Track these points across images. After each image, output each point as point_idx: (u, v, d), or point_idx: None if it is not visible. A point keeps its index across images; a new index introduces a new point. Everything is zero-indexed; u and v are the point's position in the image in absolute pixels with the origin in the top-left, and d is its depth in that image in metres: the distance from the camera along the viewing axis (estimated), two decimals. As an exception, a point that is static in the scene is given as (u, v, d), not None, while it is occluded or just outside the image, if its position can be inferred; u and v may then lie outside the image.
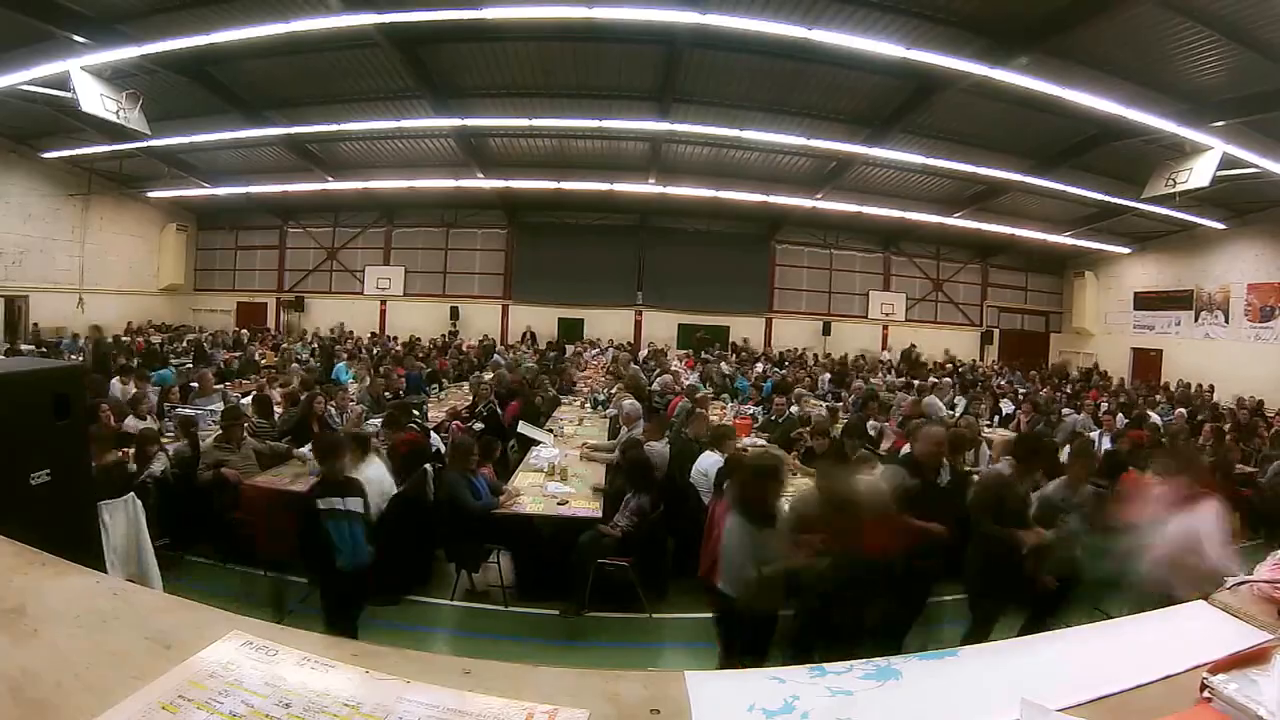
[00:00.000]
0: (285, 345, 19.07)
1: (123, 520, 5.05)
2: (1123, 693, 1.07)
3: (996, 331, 26.43)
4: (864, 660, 1.19)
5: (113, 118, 12.34)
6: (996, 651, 1.34)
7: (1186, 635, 1.27)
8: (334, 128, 15.93)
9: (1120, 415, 11.59)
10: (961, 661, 1.27)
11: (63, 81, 11.68)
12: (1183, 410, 12.38)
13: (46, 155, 18.72)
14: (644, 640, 5.64)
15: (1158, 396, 15.87)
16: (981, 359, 24.99)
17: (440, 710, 1.02)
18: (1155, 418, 11.56)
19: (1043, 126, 13.79)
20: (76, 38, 11.18)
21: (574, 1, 10.18)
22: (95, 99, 11.83)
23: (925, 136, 14.86)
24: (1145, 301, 22.91)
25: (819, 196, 19.65)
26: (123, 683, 1.02)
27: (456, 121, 15.45)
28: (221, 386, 11.19)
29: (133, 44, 11.36)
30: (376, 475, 5.70)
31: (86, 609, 1.24)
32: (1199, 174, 12.72)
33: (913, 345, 24.50)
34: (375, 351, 17.96)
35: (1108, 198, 17.00)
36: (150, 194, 22.51)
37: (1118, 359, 23.33)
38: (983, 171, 16.14)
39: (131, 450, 6.47)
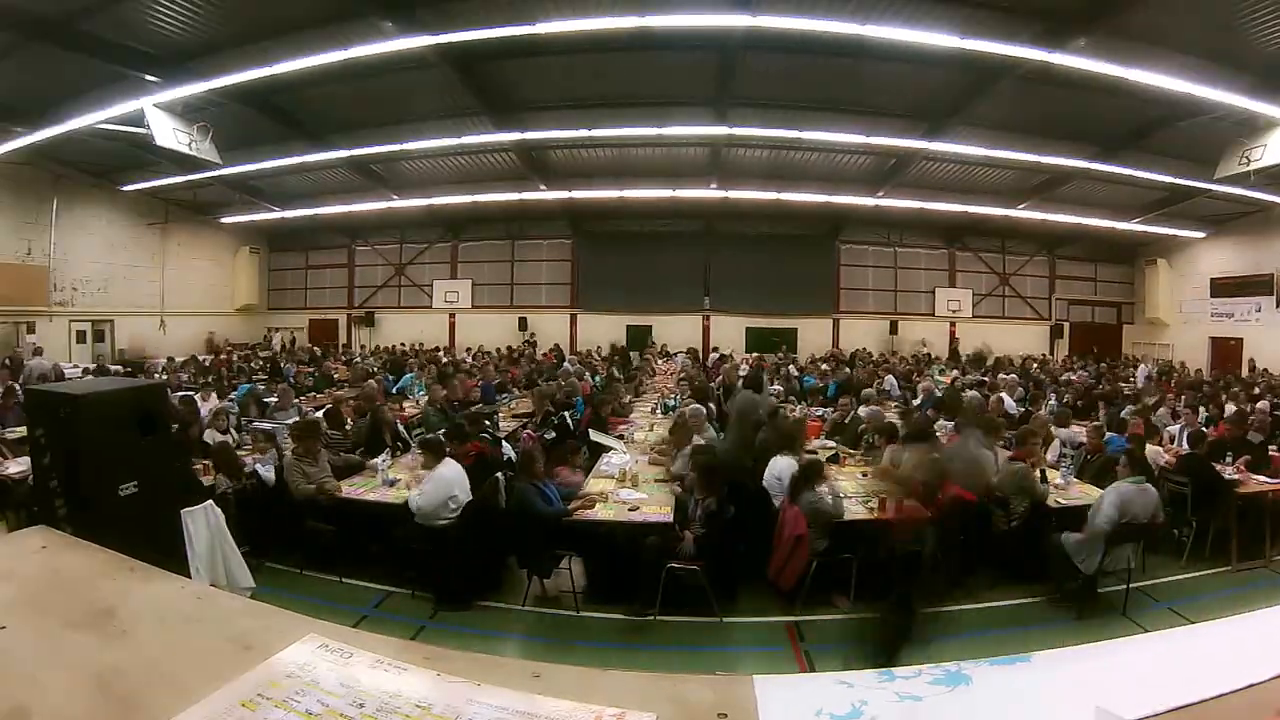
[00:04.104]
0: (358, 360, 19.60)
1: (204, 528, 5.27)
2: (1202, 702, 1.02)
3: (1066, 325, 25.65)
4: (933, 665, 1.17)
5: (185, 150, 12.89)
6: (1070, 657, 1.29)
7: (1270, 641, 1.22)
8: (396, 148, 16.29)
9: (1201, 410, 11.11)
10: (1034, 667, 1.23)
11: (137, 118, 12.24)
12: (1264, 403, 11.67)
13: (126, 188, 19.74)
14: (714, 644, 5.61)
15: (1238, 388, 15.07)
16: (1052, 353, 24.23)
17: (509, 713, 1.03)
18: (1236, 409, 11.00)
19: (1105, 110, 13.31)
20: (148, 77, 11.77)
21: (625, 12, 10.24)
22: (168, 133, 12.37)
23: (985, 127, 14.51)
24: (1222, 288, 21.86)
25: (881, 194, 19.42)
26: (205, 681, 1.06)
27: (516, 135, 15.69)
28: (298, 401, 11.54)
29: (200, 79, 11.85)
30: (453, 473, 6.38)
31: (172, 611, 1.30)
32: (1274, 150, 12.18)
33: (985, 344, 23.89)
34: (444, 363, 18.32)
35: (1177, 180, 16.36)
36: (223, 219, 23.56)
37: (1195, 349, 22.30)
38: (1045, 160, 15.72)
39: (211, 463, 6.77)
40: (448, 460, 6.52)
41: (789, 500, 6.13)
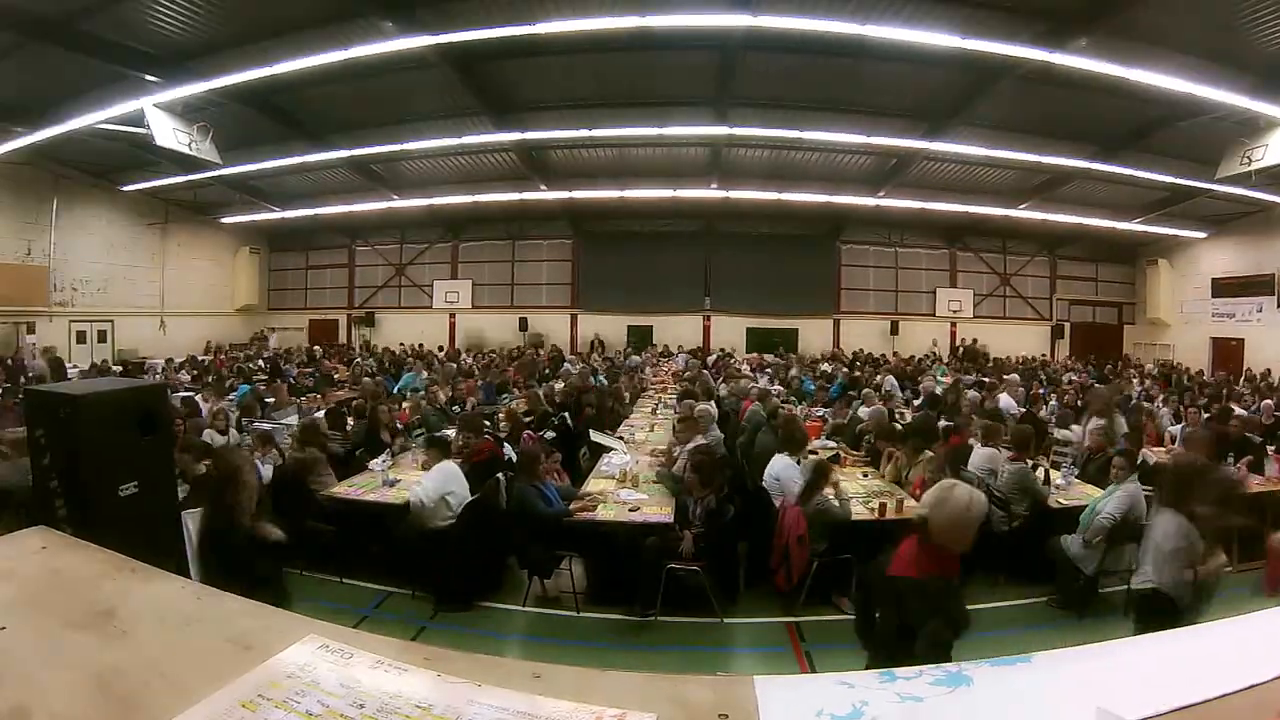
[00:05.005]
0: (356, 360, 19.61)
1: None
2: (1203, 703, 1.02)
3: (1067, 325, 25.64)
4: (934, 665, 1.17)
5: (186, 150, 12.88)
6: (1071, 658, 1.29)
7: (1272, 641, 1.22)
8: (396, 148, 16.28)
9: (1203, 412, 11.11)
10: (1034, 668, 1.23)
11: (137, 118, 12.24)
12: (1269, 401, 11.68)
13: (126, 188, 19.75)
14: (714, 644, 5.61)
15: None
16: (1052, 354, 24.24)
17: (510, 713, 1.03)
18: (1240, 411, 11.01)
19: (1106, 110, 13.31)
20: (148, 77, 11.76)
21: (626, 12, 10.24)
22: (168, 133, 12.36)
23: (986, 127, 14.52)
24: (1224, 288, 21.87)
25: (881, 195, 19.42)
26: (205, 681, 1.07)
27: (517, 135, 15.68)
28: (297, 400, 11.54)
29: (200, 79, 11.85)
30: (452, 469, 6.42)
31: (172, 612, 1.30)
32: (1275, 150, 12.18)
33: (974, 339, 24.10)
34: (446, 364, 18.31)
35: (1178, 180, 16.36)
36: (223, 220, 23.57)
37: (1196, 350, 22.34)
38: (1046, 160, 15.71)
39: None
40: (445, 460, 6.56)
41: (793, 502, 6.12)
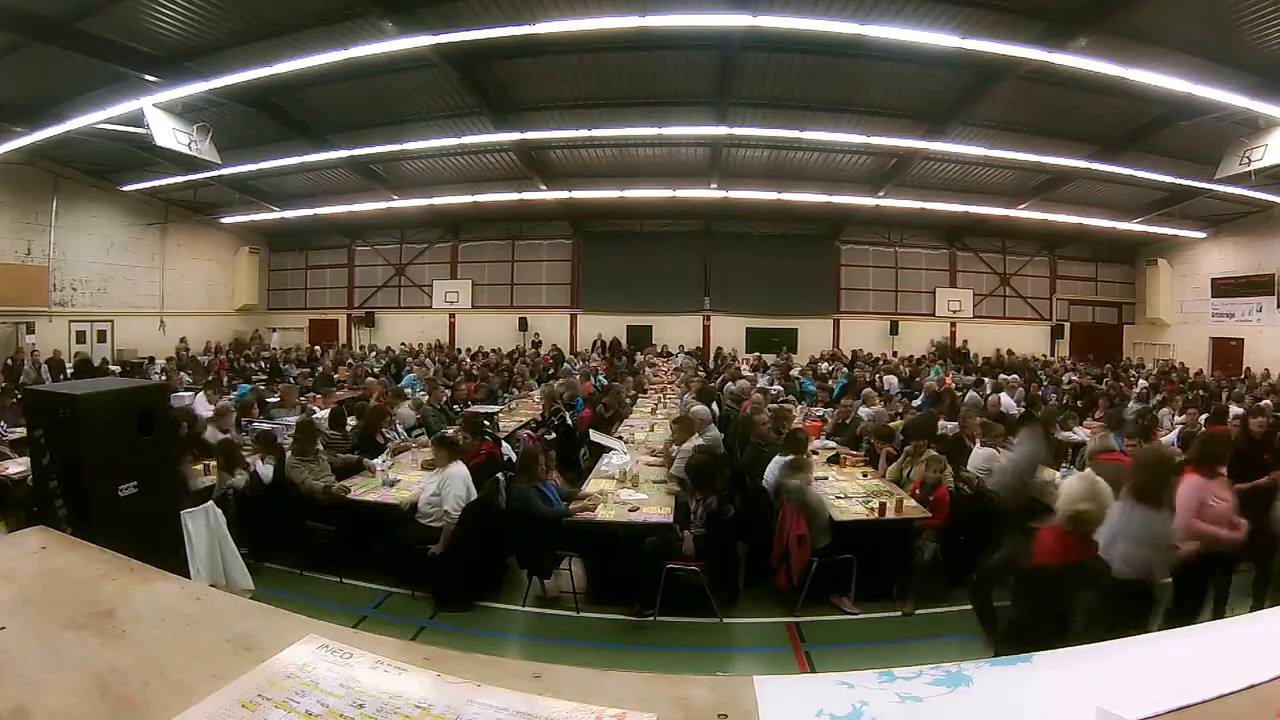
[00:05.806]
0: (353, 361, 19.60)
1: (204, 529, 5.27)
2: (1203, 703, 1.02)
3: (1067, 325, 25.64)
4: (934, 665, 1.17)
5: (185, 150, 12.88)
6: (1071, 657, 1.29)
7: (1271, 641, 1.21)
8: (396, 147, 16.26)
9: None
10: (1034, 668, 1.23)
11: (137, 119, 12.24)
12: (1268, 402, 11.65)
13: (126, 188, 19.76)
14: (714, 645, 5.61)
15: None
16: (1052, 354, 24.25)
17: (510, 713, 1.03)
18: (1238, 410, 10.98)
19: (1106, 110, 13.34)
20: (148, 77, 11.75)
21: (626, 11, 10.23)
22: (168, 133, 12.36)
23: (985, 127, 14.53)
24: (1223, 288, 21.88)
25: (881, 195, 19.39)
26: (205, 681, 1.07)
27: (516, 135, 15.65)
28: (301, 400, 11.54)
29: (200, 80, 11.84)
30: (465, 471, 6.37)
31: (172, 612, 1.30)
32: (1275, 149, 12.19)
33: (965, 342, 24.29)
34: (445, 364, 18.29)
35: (1178, 180, 16.35)
36: (223, 220, 23.52)
37: (1196, 350, 22.34)
38: (1046, 160, 15.70)
39: (213, 463, 6.76)
40: (458, 461, 6.50)
41: (789, 500, 6.12)
